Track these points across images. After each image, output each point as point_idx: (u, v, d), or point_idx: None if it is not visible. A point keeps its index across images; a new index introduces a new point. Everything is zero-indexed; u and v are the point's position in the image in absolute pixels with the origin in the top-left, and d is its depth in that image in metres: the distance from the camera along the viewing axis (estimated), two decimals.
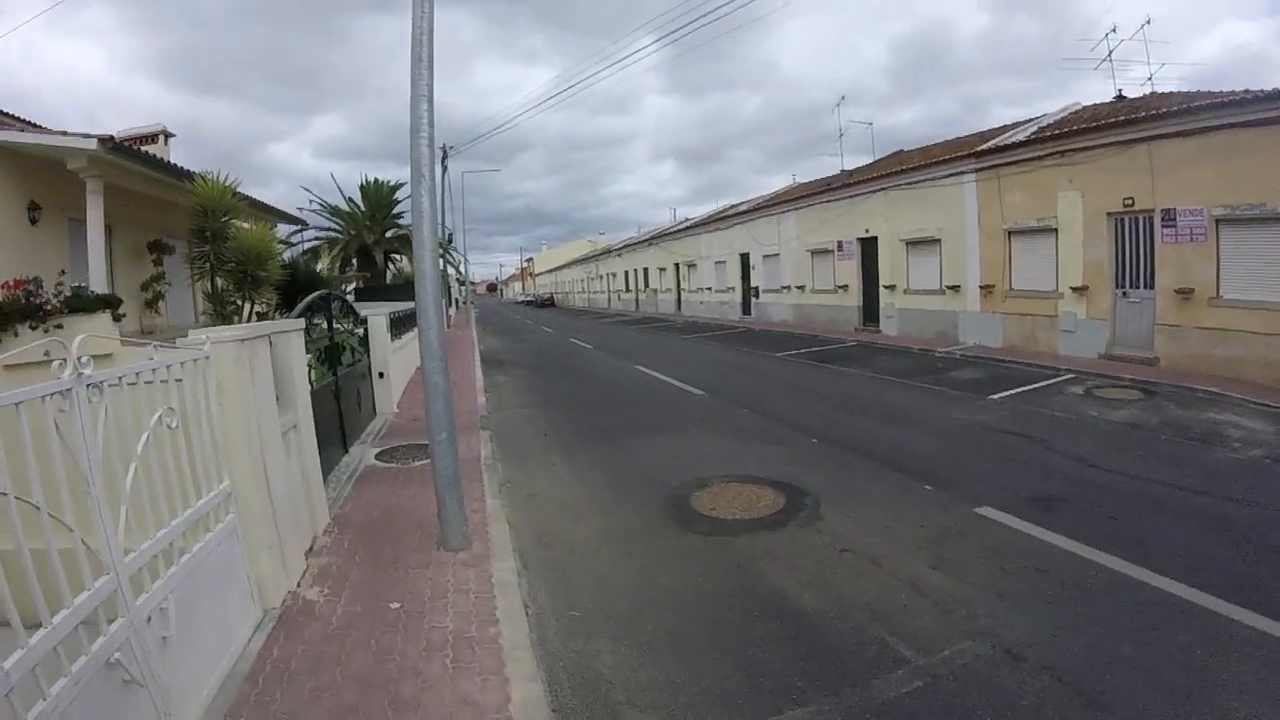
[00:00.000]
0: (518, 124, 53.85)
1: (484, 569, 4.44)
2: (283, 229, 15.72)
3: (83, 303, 7.06)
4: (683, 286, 35.81)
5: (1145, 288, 11.88)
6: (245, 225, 8.05)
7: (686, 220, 42.12)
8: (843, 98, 24.61)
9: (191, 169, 9.11)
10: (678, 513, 5.61)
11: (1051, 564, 4.32)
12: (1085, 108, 15.53)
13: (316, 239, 25.53)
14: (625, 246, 49.80)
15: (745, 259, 27.72)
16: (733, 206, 33.86)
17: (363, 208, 26.40)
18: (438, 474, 4.81)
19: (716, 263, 30.63)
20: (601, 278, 55.88)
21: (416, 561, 4.62)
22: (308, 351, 6.06)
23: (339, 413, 7.46)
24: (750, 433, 8.25)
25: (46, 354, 2.44)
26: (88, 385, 2.52)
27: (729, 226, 29.37)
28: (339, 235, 26.43)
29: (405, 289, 18.69)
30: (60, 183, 8.30)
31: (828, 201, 21.48)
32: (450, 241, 35.22)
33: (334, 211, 26.44)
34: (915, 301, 17.71)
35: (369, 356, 9.98)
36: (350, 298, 14.21)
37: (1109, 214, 12.33)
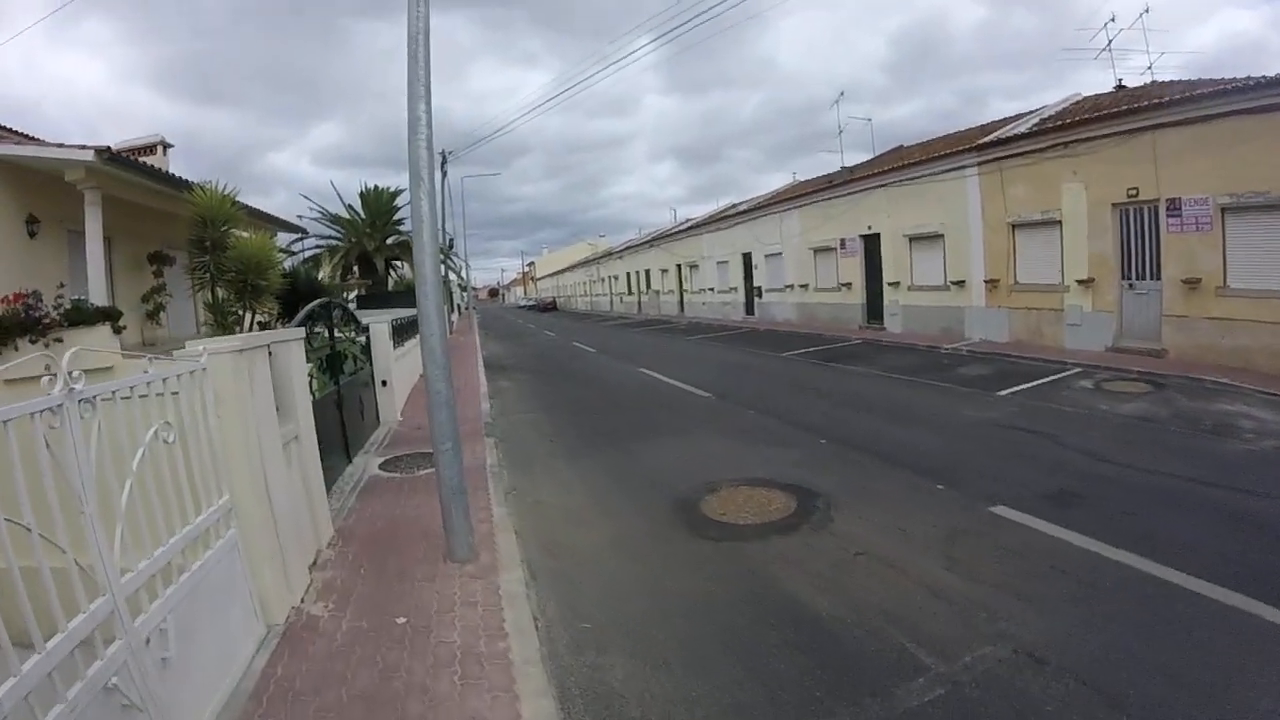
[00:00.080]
0: (516, 128, 54.10)
1: (491, 580, 4.36)
2: (283, 237, 15.72)
3: (82, 315, 7.02)
4: (685, 288, 35.73)
5: (1151, 279, 11.78)
6: (245, 234, 8.01)
7: (688, 220, 42.00)
8: (842, 93, 24.63)
9: (191, 179, 9.07)
10: (687, 518, 5.53)
11: (1069, 562, 4.24)
12: (1086, 98, 15.42)
13: (317, 247, 25.49)
14: (626, 248, 49.75)
15: (748, 259, 27.63)
16: (734, 206, 33.79)
17: (363, 215, 26.36)
18: (442, 484, 4.73)
19: (719, 263, 30.55)
20: (603, 280, 55.86)
21: (422, 574, 4.54)
22: (309, 360, 5.99)
23: (341, 422, 7.40)
24: (757, 434, 8.17)
25: (47, 367, 2.38)
26: (79, 401, 2.45)
27: (730, 226, 29.31)
28: (339, 243, 26.39)
29: (407, 296, 18.63)
30: (59, 195, 8.26)
31: (829, 199, 21.40)
32: (451, 247, 35.21)
33: (334, 219, 26.40)
34: (919, 298, 17.62)
35: (371, 365, 9.92)
36: (352, 305, 14.18)
37: (1113, 205, 12.23)
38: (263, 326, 7.67)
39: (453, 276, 38.33)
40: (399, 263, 27.85)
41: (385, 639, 3.68)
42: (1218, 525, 4.68)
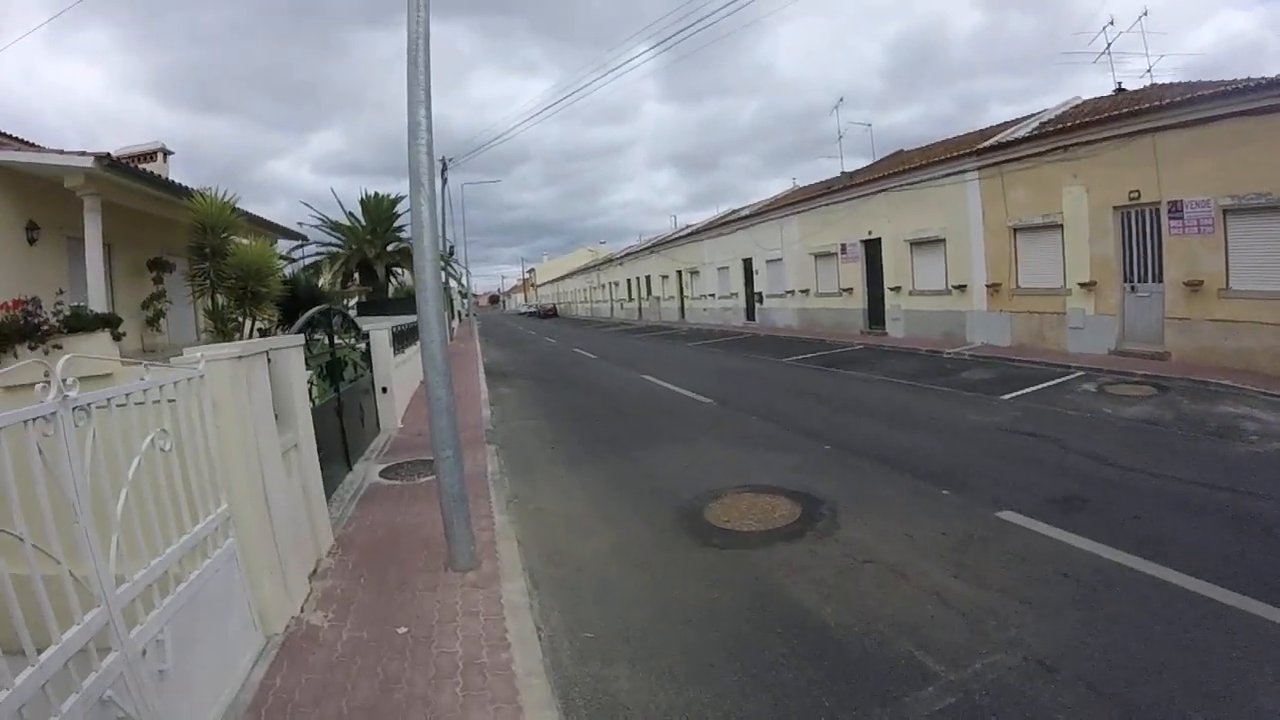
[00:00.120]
0: (516, 135, 54.25)
1: (494, 590, 4.31)
2: (283, 244, 15.68)
3: (82, 322, 6.97)
4: (686, 294, 35.70)
5: (1154, 281, 11.75)
6: (245, 241, 7.97)
7: (688, 227, 42.02)
8: (841, 99, 24.47)
9: (191, 186, 9.06)
10: (690, 525, 5.47)
11: (1077, 568, 4.19)
12: (1086, 102, 15.43)
13: (318, 254, 25.55)
14: (627, 255, 49.75)
15: (748, 264, 27.62)
16: (734, 212, 33.80)
17: (363, 222, 26.42)
18: (444, 491, 4.68)
19: (719, 269, 30.54)
20: (604, 287, 55.85)
21: (424, 583, 4.49)
22: (309, 368, 5.95)
23: (341, 429, 7.35)
24: (761, 440, 8.12)
25: (45, 374, 2.34)
26: (74, 408, 2.41)
27: (731, 232, 29.30)
28: (340, 250, 26.44)
29: (407, 303, 18.58)
30: (58, 202, 8.24)
31: (830, 204, 21.40)
32: (452, 254, 35.26)
33: (334, 226, 26.46)
34: (921, 302, 17.58)
35: (371, 371, 9.88)
36: (352, 312, 14.14)
37: (1115, 208, 12.21)
38: (263, 333, 7.62)
39: (453, 283, 38.39)
40: (399, 270, 27.89)
41: (386, 649, 3.62)
42: (1223, 528, 4.64)
